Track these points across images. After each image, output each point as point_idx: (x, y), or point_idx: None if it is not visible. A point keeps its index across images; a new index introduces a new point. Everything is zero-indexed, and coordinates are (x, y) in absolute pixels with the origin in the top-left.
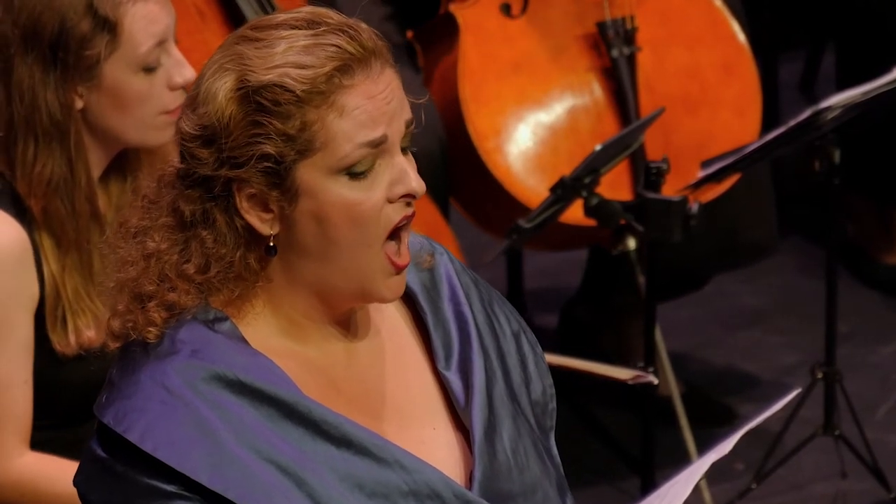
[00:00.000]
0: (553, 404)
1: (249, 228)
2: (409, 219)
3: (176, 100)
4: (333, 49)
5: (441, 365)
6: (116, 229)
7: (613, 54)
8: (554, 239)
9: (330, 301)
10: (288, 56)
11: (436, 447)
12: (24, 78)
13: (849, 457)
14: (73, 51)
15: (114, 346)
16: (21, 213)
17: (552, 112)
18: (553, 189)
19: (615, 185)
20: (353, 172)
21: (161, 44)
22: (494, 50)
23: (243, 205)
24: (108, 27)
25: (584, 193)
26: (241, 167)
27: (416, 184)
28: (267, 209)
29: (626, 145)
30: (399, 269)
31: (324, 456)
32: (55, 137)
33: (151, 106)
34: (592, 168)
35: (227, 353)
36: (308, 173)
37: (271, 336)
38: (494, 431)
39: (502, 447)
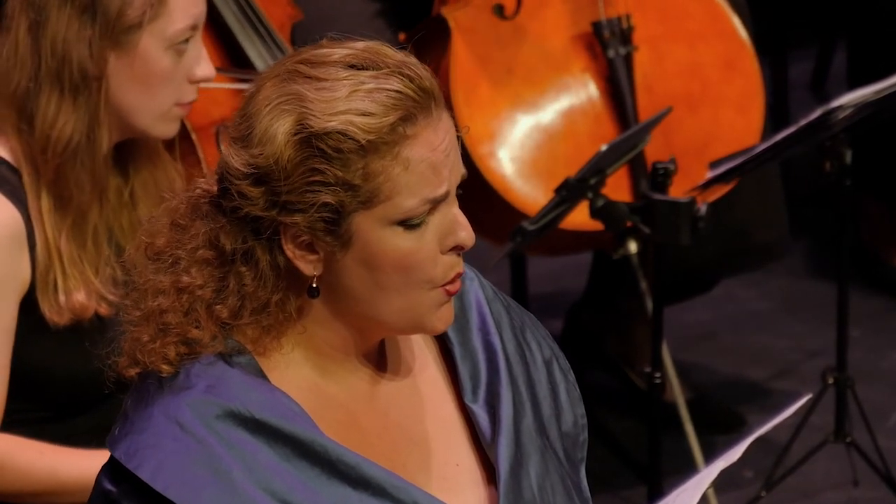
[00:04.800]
0: (584, 435)
1: (291, 268)
2: (459, 275)
3: (191, 93)
4: (396, 95)
5: (468, 398)
6: (141, 248)
7: (609, 55)
8: (555, 244)
9: (367, 334)
10: (351, 102)
11: (458, 484)
12: (59, 30)
13: (860, 464)
14: (116, 8)
15: (131, 372)
16: (15, 192)
17: (548, 115)
18: (558, 190)
19: (614, 188)
20: (410, 224)
21: (194, 28)
22: (487, 52)
23: (289, 245)
24: None
25: (590, 195)
26: (296, 213)
27: (466, 235)
28: (313, 251)
29: (633, 145)
30: (451, 294)
31: (340, 497)
32: (81, 92)
33: (170, 91)
34: (598, 168)
35: (243, 389)
36: (365, 222)
37: (294, 368)
38: (521, 468)
39: (529, 485)
